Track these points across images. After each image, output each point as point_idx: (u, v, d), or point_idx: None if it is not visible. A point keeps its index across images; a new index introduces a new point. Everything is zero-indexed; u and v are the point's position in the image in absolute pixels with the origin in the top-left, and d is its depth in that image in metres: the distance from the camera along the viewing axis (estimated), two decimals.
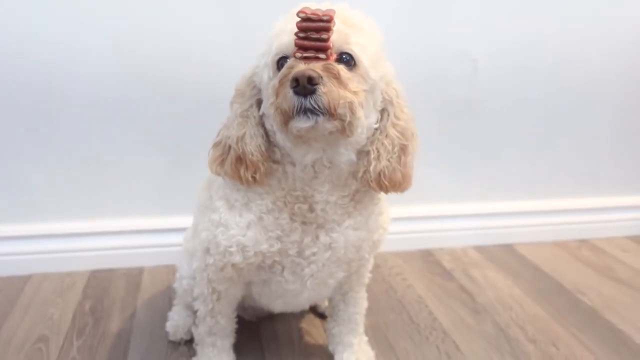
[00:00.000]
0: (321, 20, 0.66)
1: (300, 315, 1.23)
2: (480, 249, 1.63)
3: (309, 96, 0.66)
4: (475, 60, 1.47)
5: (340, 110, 0.67)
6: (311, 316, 1.24)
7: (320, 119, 0.67)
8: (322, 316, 1.22)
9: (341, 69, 0.68)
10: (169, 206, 1.45)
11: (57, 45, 1.27)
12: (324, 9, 0.69)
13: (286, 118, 0.69)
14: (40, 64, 1.28)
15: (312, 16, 0.66)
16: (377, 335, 1.17)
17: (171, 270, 1.37)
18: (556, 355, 1.12)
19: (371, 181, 0.79)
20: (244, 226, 0.83)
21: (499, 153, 1.62)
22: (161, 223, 1.45)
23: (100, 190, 1.41)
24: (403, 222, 1.59)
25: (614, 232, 1.74)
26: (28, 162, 1.35)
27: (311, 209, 0.82)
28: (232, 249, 0.83)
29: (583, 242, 1.70)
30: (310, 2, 0.71)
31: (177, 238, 1.24)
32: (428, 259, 1.56)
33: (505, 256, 1.59)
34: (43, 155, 1.35)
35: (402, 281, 1.42)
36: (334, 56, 0.69)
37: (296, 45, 0.67)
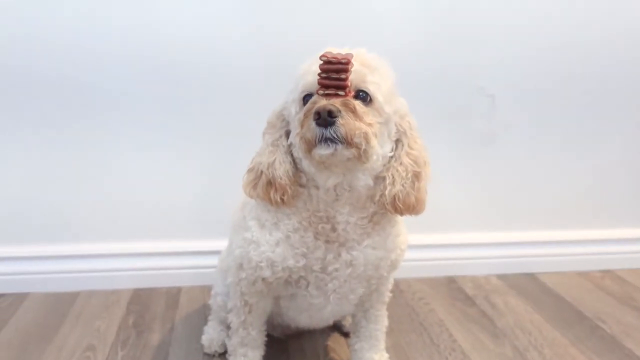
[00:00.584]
0: (340, 63, 0.77)
1: (326, 333, 1.31)
2: (502, 277, 1.68)
3: (329, 127, 0.76)
4: (492, 96, 1.55)
5: (356, 139, 0.77)
6: (336, 334, 1.31)
7: (339, 146, 0.77)
8: (346, 335, 1.29)
9: (357, 104, 0.78)
10: (205, 231, 1.56)
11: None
12: (343, 52, 0.80)
13: (310, 146, 0.79)
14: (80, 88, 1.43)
15: (332, 59, 0.77)
16: (399, 354, 1.23)
17: (206, 290, 1.47)
18: None
19: (387, 204, 0.88)
20: (273, 243, 0.92)
21: (522, 183, 1.67)
22: (198, 246, 1.55)
23: (142, 214, 1.53)
24: (427, 250, 1.66)
25: (637, 263, 1.76)
26: (75, 186, 1.48)
27: (333, 229, 0.91)
28: (263, 264, 0.93)
29: (606, 272, 1.73)
30: (333, 47, 0.82)
31: (212, 260, 1.35)
32: (451, 285, 1.62)
33: (527, 284, 1.63)
34: (89, 179, 1.48)
35: (424, 305, 1.48)
36: (352, 93, 0.80)
37: (319, 84, 0.78)
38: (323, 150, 0.78)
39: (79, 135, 1.45)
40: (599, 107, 1.64)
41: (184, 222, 1.56)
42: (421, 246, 1.63)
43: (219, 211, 1.50)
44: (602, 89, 1.62)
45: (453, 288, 1.60)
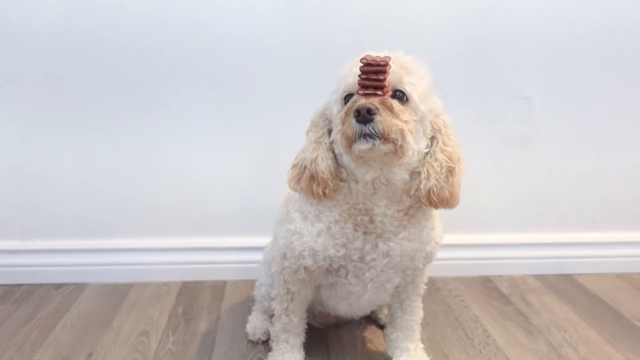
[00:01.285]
0: (379, 65, 0.83)
1: (363, 325, 1.37)
2: (539, 277, 1.69)
3: (368, 124, 0.83)
4: (528, 98, 1.58)
5: (392, 135, 0.83)
6: (373, 327, 1.37)
7: (377, 142, 0.84)
8: (382, 327, 1.35)
9: (395, 102, 0.85)
10: (249, 228, 1.64)
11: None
12: (382, 56, 0.87)
13: (350, 142, 0.86)
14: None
15: (372, 62, 0.84)
16: (434, 346, 1.28)
17: (250, 284, 1.56)
18: None
19: (422, 197, 0.94)
20: (315, 234, 0.99)
21: (559, 184, 1.69)
22: (243, 242, 1.64)
23: (191, 212, 1.63)
24: (464, 249, 1.70)
25: None
26: (130, 185, 1.60)
27: (371, 221, 0.98)
28: (305, 253, 1.00)
29: None
30: (372, 51, 0.89)
31: (256, 256, 1.44)
32: (487, 284, 1.65)
33: (564, 285, 1.64)
34: (143, 180, 1.60)
35: (460, 302, 1.52)
36: (390, 93, 0.87)
37: (359, 84, 0.85)
38: (362, 145, 0.84)
39: (133, 135, 1.56)
40: (634, 105, 1.64)
41: (230, 219, 1.65)
42: (458, 245, 1.67)
43: (263, 209, 1.59)
44: (636, 85, 1.62)
45: (489, 287, 1.63)
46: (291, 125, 1.35)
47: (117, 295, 1.54)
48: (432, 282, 1.58)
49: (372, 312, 1.36)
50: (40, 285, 1.60)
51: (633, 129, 1.66)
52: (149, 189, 1.61)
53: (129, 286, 1.60)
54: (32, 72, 1.49)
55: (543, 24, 1.55)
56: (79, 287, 1.59)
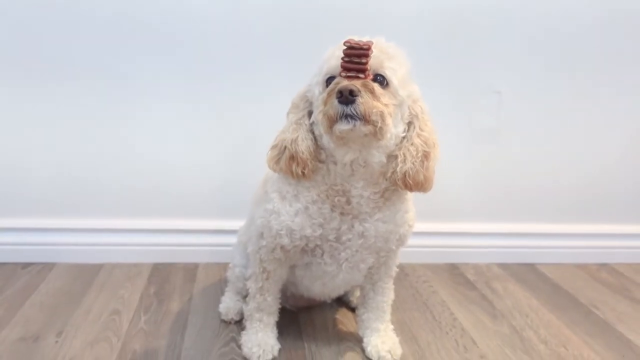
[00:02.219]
0: (362, 48, 0.86)
1: (334, 307, 1.40)
2: (503, 266, 1.76)
3: (349, 105, 0.85)
4: (499, 92, 1.63)
5: (373, 117, 0.86)
6: (344, 309, 1.40)
7: (358, 123, 0.86)
8: (353, 310, 1.38)
9: (376, 86, 0.87)
10: (222, 211, 1.65)
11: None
12: (364, 40, 0.89)
13: (331, 122, 0.88)
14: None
15: (355, 45, 0.86)
16: (402, 328, 1.32)
17: (222, 267, 1.57)
18: (565, 354, 1.24)
19: (398, 180, 0.97)
20: (292, 214, 1.01)
21: (525, 176, 1.75)
22: (216, 225, 1.65)
23: (164, 194, 1.63)
24: (432, 237, 1.75)
25: (635, 258, 1.83)
26: (102, 163, 1.58)
27: (348, 202, 1.00)
28: (282, 232, 1.02)
29: (603, 265, 1.81)
30: (354, 35, 0.91)
31: (229, 239, 1.45)
32: (453, 271, 1.70)
33: (527, 273, 1.71)
34: (115, 158, 1.58)
35: (428, 287, 1.57)
36: (371, 76, 0.89)
37: (341, 67, 0.87)
38: (343, 126, 0.87)
39: (104, 111, 1.54)
40: (601, 103, 1.71)
41: (203, 202, 1.65)
42: (426, 233, 1.71)
43: (237, 194, 1.60)
44: (605, 83, 1.69)
45: (455, 274, 1.68)
46: (268, 110, 1.35)
47: (86, 275, 1.53)
48: (401, 268, 1.60)
49: (344, 295, 1.39)
50: (5, 264, 1.57)
51: (597, 125, 1.73)
52: (120, 168, 1.59)
53: (99, 267, 1.59)
54: None
55: (518, 18, 1.59)
56: (47, 267, 1.57)
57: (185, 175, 1.62)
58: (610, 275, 1.73)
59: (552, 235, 1.81)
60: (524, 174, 1.75)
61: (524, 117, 1.69)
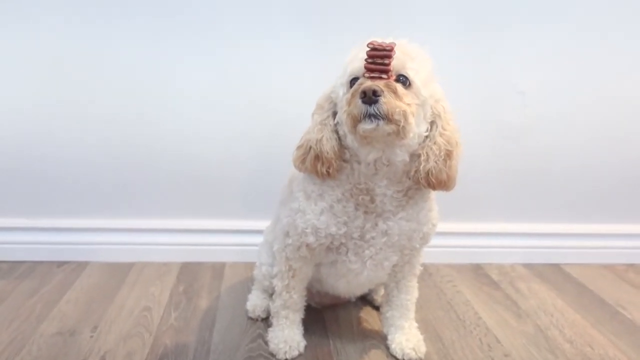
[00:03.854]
0: (385, 50, 0.88)
1: (359, 306, 1.42)
2: (528, 266, 1.76)
3: (373, 105, 0.87)
4: (523, 92, 1.63)
5: (396, 117, 0.88)
6: (368, 307, 1.42)
7: (381, 122, 0.88)
8: (377, 309, 1.39)
9: (398, 86, 0.90)
10: (249, 211, 1.69)
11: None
12: (387, 42, 0.91)
13: (355, 122, 0.90)
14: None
15: (378, 47, 0.88)
16: (427, 327, 1.33)
17: (248, 266, 1.60)
18: (591, 354, 1.23)
19: (421, 179, 0.98)
20: (318, 212, 1.04)
21: (551, 176, 1.75)
22: (242, 225, 1.68)
23: (193, 194, 1.67)
24: (456, 237, 1.75)
25: None
26: (135, 166, 1.63)
27: (372, 200, 1.02)
28: (308, 231, 1.05)
29: (630, 266, 1.79)
30: (377, 37, 0.93)
31: (255, 239, 1.48)
32: (478, 271, 1.70)
33: (552, 273, 1.70)
34: (147, 161, 1.63)
35: (452, 287, 1.58)
36: (394, 77, 0.91)
37: (365, 68, 0.90)
38: (367, 125, 0.89)
39: (135, 114, 1.60)
40: (628, 99, 1.70)
41: (231, 202, 1.69)
42: (450, 233, 1.72)
43: (263, 193, 1.64)
44: (631, 85, 1.68)
45: (480, 274, 1.69)
46: (295, 114, 1.38)
47: (118, 274, 1.58)
48: (425, 268, 1.61)
49: (368, 294, 1.41)
50: (41, 262, 1.64)
51: (623, 124, 1.72)
52: (152, 171, 1.64)
53: (130, 265, 1.64)
54: None
55: (543, 19, 1.60)
56: (81, 265, 1.63)
57: (212, 178, 1.66)
58: (638, 276, 1.71)
59: (577, 235, 1.80)
60: (548, 173, 1.74)
61: (550, 116, 1.68)
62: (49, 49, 1.52)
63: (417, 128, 0.95)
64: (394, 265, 1.14)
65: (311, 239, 1.05)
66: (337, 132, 1.01)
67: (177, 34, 1.53)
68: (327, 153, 0.99)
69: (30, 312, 1.33)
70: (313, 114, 1.05)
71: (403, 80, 0.92)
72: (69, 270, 1.60)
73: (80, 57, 1.53)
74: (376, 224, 1.04)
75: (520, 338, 1.30)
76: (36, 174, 1.62)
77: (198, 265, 1.67)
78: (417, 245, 1.10)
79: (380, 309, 1.28)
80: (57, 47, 1.52)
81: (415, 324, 1.24)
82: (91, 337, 1.23)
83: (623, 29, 1.62)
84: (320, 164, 1.00)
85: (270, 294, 1.28)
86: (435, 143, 0.98)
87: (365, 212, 1.04)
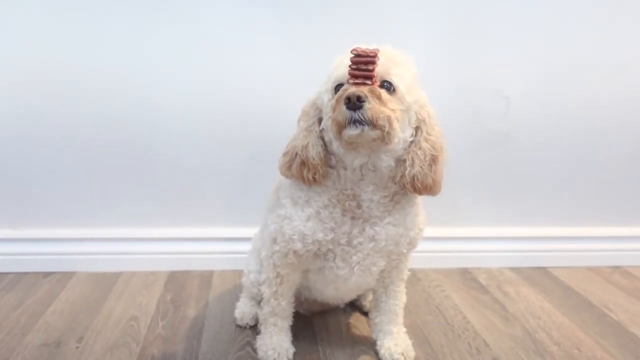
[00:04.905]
0: (368, 56, 0.89)
1: (348, 312, 1.42)
2: (515, 269, 1.76)
3: (357, 110, 0.88)
4: (507, 98, 1.65)
5: (380, 122, 0.88)
6: (357, 313, 1.42)
7: (366, 128, 0.89)
8: (366, 314, 1.39)
9: (383, 92, 0.90)
10: (237, 219, 1.68)
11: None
12: (371, 48, 0.92)
13: (340, 128, 0.91)
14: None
15: (362, 53, 0.89)
16: (415, 332, 1.33)
17: (237, 274, 1.59)
18: (578, 356, 1.24)
19: (407, 184, 0.99)
20: (304, 219, 1.04)
21: (536, 180, 1.76)
22: (230, 232, 1.68)
23: (180, 202, 1.66)
24: (444, 242, 1.76)
25: None
26: (120, 175, 1.63)
27: (359, 206, 1.03)
28: (295, 237, 1.04)
29: (616, 268, 1.80)
30: (362, 43, 0.94)
31: (243, 246, 1.47)
32: (466, 276, 1.71)
33: (539, 277, 1.71)
34: (133, 174, 1.63)
35: (440, 292, 1.58)
36: (378, 83, 0.92)
37: (349, 74, 0.90)
38: (352, 131, 0.89)
39: (131, 134, 1.59)
40: (611, 104, 1.72)
41: (218, 210, 1.68)
42: (437, 238, 1.72)
43: (251, 201, 1.63)
44: (616, 89, 1.70)
45: (467, 278, 1.69)
46: (282, 121, 1.38)
47: (105, 284, 1.56)
48: (413, 273, 1.63)
49: (357, 300, 1.41)
50: (27, 273, 1.62)
51: (607, 127, 1.73)
52: (138, 180, 1.63)
53: (117, 275, 1.63)
54: None
55: (528, 25, 1.62)
56: (67, 276, 1.61)
57: (199, 186, 1.65)
58: (624, 278, 1.73)
59: (564, 238, 1.81)
60: (534, 178, 1.76)
61: (534, 120, 1.70)
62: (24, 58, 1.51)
63: (402, 133, 0.95)
64: (382, 271, 1.15)
65: (298, 246, 1.05)
66: (322, 138, 1.02)
67: (159, 42, 1.53)
68: (313, 159, 0.99)
69: (15, 323, 1.32)
70: (299, 121, 1.05)
71: (387, 86, 0.93)
72: (54, 280, 1.58)
73: (54, 68, 1.53)
74: (363, 230, 1.04)
75: (508, 341, 1.30)
76: (20, 184, 1.60)
77: (186, 273, 1.66)
78: (405, 250, 1.11)
79: (369, 314, 1.28)
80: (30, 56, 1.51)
81: (404, 329, 1.24)
82: (77, 348, 1.21)
83: (608, 33, 1.65)
84: (307, 170, 1.00)
85: (259, 301, 1.28)
86: (420, 148, 0.99)
87: (352, 218, 1.04)
